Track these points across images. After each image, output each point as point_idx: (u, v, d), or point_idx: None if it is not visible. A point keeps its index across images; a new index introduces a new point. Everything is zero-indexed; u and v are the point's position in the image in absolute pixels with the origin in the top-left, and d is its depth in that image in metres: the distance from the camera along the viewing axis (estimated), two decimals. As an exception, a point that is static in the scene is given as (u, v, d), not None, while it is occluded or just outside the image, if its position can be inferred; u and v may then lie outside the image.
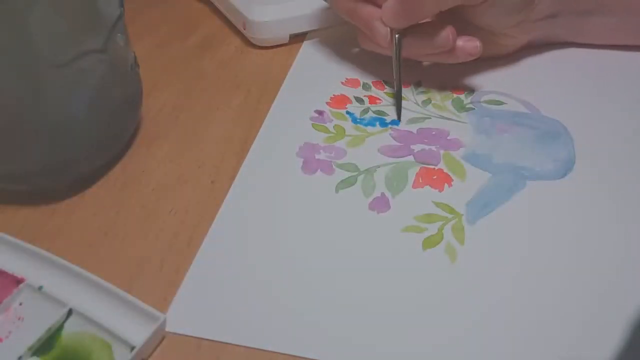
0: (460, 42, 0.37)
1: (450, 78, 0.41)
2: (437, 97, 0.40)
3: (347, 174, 0.34)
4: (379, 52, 0.40)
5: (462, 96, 0.40)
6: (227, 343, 0.26)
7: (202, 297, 0.28)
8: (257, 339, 0.27)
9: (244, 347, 0.26)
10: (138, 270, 0.30)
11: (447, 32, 0.36)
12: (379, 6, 0.37)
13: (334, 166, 0.35)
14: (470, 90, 0.40)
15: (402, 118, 0.38)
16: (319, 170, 0.35)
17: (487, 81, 0.41)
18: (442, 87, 0.41)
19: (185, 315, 0.27)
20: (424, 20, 0.37)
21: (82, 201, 0.33)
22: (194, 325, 0.27)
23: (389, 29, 0.37)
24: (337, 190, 0.33)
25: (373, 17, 0.37)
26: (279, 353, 0.26)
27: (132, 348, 0.25)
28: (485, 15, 0.38)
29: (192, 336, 0.27)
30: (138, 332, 0.26)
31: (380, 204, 0.32)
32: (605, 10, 0.41)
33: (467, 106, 0.39)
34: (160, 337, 0.27)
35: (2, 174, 0.32)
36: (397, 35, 0.37)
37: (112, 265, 0.30)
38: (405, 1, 0.35)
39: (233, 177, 0.34)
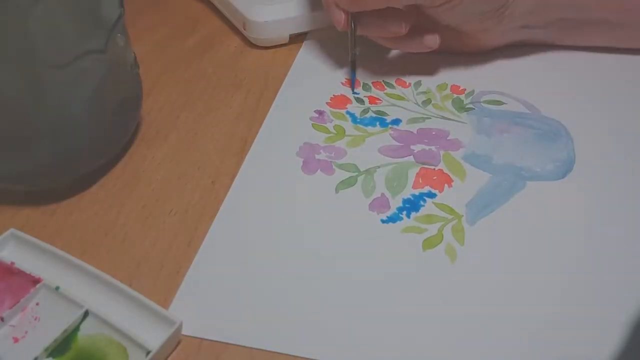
0: (419, 32, 0.39)
1: (450, 78, 0.41)
2: (437, 97, 0.40)
3: (347, 174, 0.34)
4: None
5: (462, 96, 0.40)
6: (227, 343, 0.27)
7: (202, 297, 0.28)
8: (257, 339, 0.27)
9: (244, 347, 0.26)
10: (138, 270, 0.30)
11: (402, 20, 0.38)
12: None
13: (334, 166, 0.35)
14: (470, 91, 0.40)
15: (402, 118, 0.38)
16: (319, 170, 0.35)
17: (487, 81, 0.41)
18: (442, 87, 0.41)
19: (186, 316, 0.27)
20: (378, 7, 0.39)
21: (82, 201, 0.33)
22: (194, 325, 0.27)
23: (343, 13, 0.39)
24: (337, 191, 0.33)
25: (330, 1, 0.39)
26: (279, 353, 0.26)
27: (148, 352, 0.25)
28: (446, 18, 0.39)
29: (192, 336, 0.27)
30: (154, 337, 0.26)
31: (381, 205, 0.33)
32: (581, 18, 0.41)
33: (467, 106, 0.39)
34: (176, 342, 0.26)
35: (2, 174, 0.32)
36: (351, 19, 0.39)
37: (112, 265, 0.30)
38: None
39: (233, 177, 0.34)
